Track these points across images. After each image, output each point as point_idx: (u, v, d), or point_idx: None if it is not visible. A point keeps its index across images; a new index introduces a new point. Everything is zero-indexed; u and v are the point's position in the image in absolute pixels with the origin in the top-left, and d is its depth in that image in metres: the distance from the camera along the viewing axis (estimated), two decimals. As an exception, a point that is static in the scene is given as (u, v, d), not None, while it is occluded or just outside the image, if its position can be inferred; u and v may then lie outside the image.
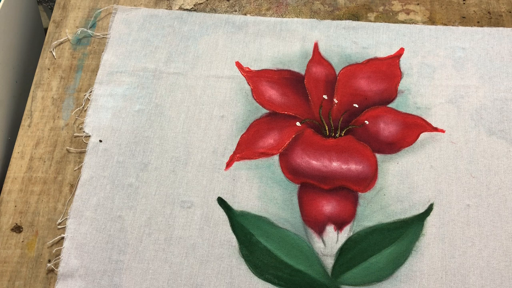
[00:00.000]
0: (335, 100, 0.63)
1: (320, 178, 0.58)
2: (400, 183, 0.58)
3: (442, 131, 0.61)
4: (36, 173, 0.59)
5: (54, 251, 0.55)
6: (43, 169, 0.60)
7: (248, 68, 0.65)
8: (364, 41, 0.67)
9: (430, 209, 0.57)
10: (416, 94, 0.63)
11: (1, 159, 0.66)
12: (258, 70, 0.65)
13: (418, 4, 0.70)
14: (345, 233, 0.56)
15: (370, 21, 0.69)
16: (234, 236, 0.55)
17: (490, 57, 0.65)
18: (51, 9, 0.87)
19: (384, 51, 0.66)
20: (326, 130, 0.61)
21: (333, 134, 0.61)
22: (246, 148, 0.60)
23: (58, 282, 0.54)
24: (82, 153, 0.60)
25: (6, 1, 0.69)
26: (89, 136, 0.61)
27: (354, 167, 0.58)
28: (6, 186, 0.59)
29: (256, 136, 0.61)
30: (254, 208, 0.57)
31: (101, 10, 0.70)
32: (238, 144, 0.60)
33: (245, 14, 0.70)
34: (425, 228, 0.56)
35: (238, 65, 0.65)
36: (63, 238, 0.56)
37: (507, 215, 0.56)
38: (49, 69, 0.66)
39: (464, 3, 0.70)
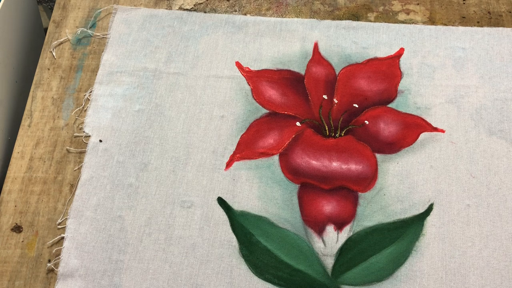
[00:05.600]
0: (335, 100, 0.63)
1: (320, 178, 0.58)
2: (400, 183, 0.58)
3: (442, 131, 0.61)
4: (36, 173, 0.59)
5: (54, 251, 0.55)
6: (43, 169, 0.60)
7: (248, 68, 0.65)
8: (364, 41, 0.67)
9: (430, 209, 0.57)
10: (416, 94, 0.63)
11: (1, 159, 0.66)
12: (258, 70, 0.65)
13: (418, 4, 0.70)
14: (345, 233, 0.56)
15: (370, 21, 0.69)
16: (234, 236, 0.55)
17: (490, 57, 0.65)
18: (51, 9, 0.87)
19: (384, 51, 0.66)
20: (326, 130, 0.61)
21: (333, 134, 0.61)
22: (246, 148, 0.60)
23: (58, 282, 0.54)
24: (82, 153, 0.60)
25: (6, 1, 0.69)
26: (89, 136, 0.61)
27: (354, 167, 0.58)
28: (6, 186, 0.59)
29: (256, 136, 0.61)
30: (254, 208, 0.57)
31: (101, 10, 0.70)
32: (238, 144, 0.60)
33: (245, 14, 0.70)
34: (425, 228, 0.56)
35: (238, 65, 0.65)
36: (63, 238, 0.56)
37: (507, 215, 0.56)
38: (49, 69, 0.66)
39: (464, 3, 0.70)
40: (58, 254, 0.55)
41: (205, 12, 0.70)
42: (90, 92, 0.64)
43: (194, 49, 0.67)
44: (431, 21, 0.69)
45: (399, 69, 0.65)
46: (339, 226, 0.56)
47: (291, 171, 0.59)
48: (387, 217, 0.56)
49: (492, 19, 0.69)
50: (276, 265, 0.54)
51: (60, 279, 0.54)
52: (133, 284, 0.54)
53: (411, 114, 0.62)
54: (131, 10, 0.70)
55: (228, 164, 0.59)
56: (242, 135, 0.61)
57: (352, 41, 0.67)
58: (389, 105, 0.63)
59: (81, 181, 0.59)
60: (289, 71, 0.65)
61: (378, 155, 0.59)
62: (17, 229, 0.57)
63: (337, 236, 0.55)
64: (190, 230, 0.56)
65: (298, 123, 0.61)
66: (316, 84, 0.64)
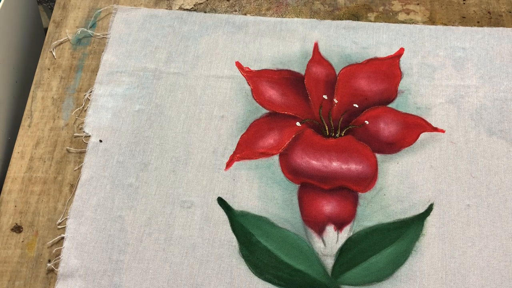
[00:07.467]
0: (335, 100, 0.63)
1: (320, 178, 0.58)
2: (400, 183, 0.58)
3: (442, 131, 0.61)
4: (36, 173, 0.59)
5: (54, 251, 0.55)
6: (43, 169, 0.60)
7: (248, 68, 0.65)
8: (364, 41, 0.67)
9: (430, 209, 0.57)
10: (416, 94, 0.63)
11: (1, 159, 0.66)
12: (258, 70, 0.65)
13: (418, 4, 0.70)
14: (345, 233, 0.56)
15: (370, 21, 0.69)
16: (234, 236, 0.55)
17: (490, 57, 0.65)
18: (51, 9, 0.87)
19: (384, 51, 0.66)
20: (326, 130, 0.61)
21: (333, 134, 0.61)
22: (246, 148, 0.60)
23: (58, 282, 0.54)
24: (82, 153, 0.60)
25: (6, 1, 0.69)
26: (89, 136, 0.61)
27: (354, 167, 0.58)
28: (6, 186, 0.59)
29: (256, 136, 0.61)
30: (254, 208, 0.57)
31: (101, 10, 0.70)
32: (238, 144, 0.60)
33: (245, 14, 0.70)
34: (425, 228, 0.56)
35: (238, 65, 0.65)
36: (63, 238, 0.56)
37: (507, 215, 0.56)
38: (49, 69, 0.66)
39: (464, 3, 0.70)
40: (58, 254, 0.55)
41: (205, 12, 0.70)
42: (90, 92, 0.64)
43: (194, 49, 0.67)
44: (431, 21, 0.69)
45: (399, 69, 0.65)
46: (339, 226, 0.56)
47: (291, 171, 0.59)
48: (387, 217, 0.56)
49: (492, 19, 0.69)
50: (276, 265, 0.54)
51: (60, 279, 0.54)
52: (133, 284, 0.54)
53: (411, 114, 0.62)
54: (131, 10, 0.70)
55: (228, 164, 0.59)
56: (242, 135, 0.61)
57: (352, 41, 0.67)
58: (389, 105, 0.63)
59: (81, 181, 0.59)
60: (289, 71, 0.65)
61: (378, 155, 0.59)
62: (17, 229, 0.57)
63: (337, 236, 0.55)
64: (190, 230, 0.56)
65: (298, 123, 0.61)
66: (316, 84, 0.64)
